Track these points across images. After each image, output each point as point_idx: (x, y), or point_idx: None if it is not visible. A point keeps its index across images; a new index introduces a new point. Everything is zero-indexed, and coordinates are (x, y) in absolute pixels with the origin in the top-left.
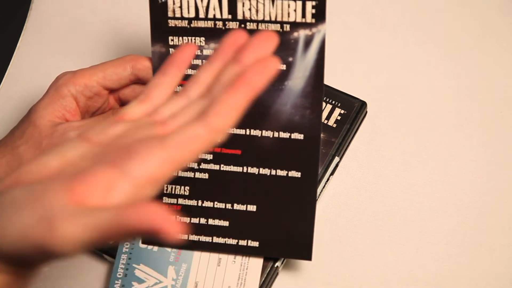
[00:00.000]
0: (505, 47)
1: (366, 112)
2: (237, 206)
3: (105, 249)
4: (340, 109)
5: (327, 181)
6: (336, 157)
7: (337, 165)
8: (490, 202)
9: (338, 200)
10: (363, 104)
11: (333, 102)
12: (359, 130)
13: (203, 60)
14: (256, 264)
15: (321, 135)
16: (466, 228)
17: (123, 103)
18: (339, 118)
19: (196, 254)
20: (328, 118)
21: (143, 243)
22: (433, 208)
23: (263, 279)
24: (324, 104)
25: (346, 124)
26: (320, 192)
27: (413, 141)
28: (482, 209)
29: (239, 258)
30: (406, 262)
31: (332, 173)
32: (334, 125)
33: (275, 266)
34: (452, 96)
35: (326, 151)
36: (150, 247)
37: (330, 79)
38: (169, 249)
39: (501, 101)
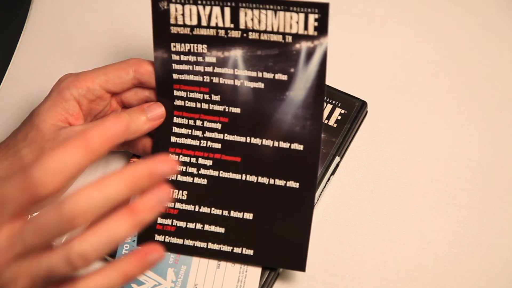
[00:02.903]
0: (505, 46)
1: (367, 112)
2: (233, 213)
3: None
4: (340, 109)
5: (327, 181)
6: (337, 157)
7: (337, 165)
8: (490, 202)
9: (338, 200)
10: (363, 104)
11: (334, 102)
12: (359, 130)
13: (205, 67)
14: (255, 267)
15: (322, 135)
16: (466, 228)
17: (125, 106)
18: (339, 118)
19: (196, 257)
20: (328, 118)
21: (138, 244)
22: (433, 208)
23: (263, 281)
24: (324, 104)
25: (346, 124)
26: (321, 192)
27: (413, 141)
28: (482, 209)
29: None
30: (406, 262)
31: (332, 173)
32: (335, 125)
33: (276, 268)
34: (452, 96)
35: (326, 151)
36: None
37: (330, 79)
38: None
39: (501, 101)
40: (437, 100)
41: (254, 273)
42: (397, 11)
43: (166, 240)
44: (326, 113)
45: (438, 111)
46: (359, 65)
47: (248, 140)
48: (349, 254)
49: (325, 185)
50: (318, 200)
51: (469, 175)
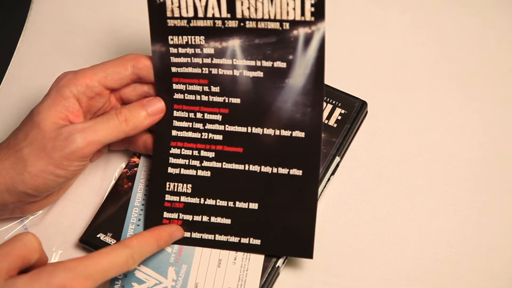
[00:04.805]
0: (505, 47)
1: (367, 112)
2: (239, 204)
3: None
4: (340, 109)
5: (327, 181)
6: (337, 157)
7: (337, 165)
8: (490, 202)
9: (338, 200)
10: (363, 104)
11: (334, 102)
12: (359, 130)
13: (203, 59)
14: (256, 265)
15: (322, 134)
16: (466, 228)
17: (124, 102)
18: (339, 118)
19: (196, 255)
20: (328, 118)
21: None
22: (433, 208)
23: (263, 280)
24: (324, 104)
25: (346, 124)
26: (321, 192)
27: (413, 141)
28: (482, 209)
29: (239, 259)
30: (406, 262)
31: (332, 173)
32: (335, 125)
33: (276, 266)
34: (452, 96)
35: (326, 151)
36: None
37: (330, 79)
38: (169, 250)
39: (501, 101)
40: (437, 100)
41: (255, 271)
42: (397, 11)
43: None
44: (326, 113)
45: (438, 111)
46: (359, 65)
47: (249, 130)
48: (349, 254)
49: (325, 185)
50: (318, 199)
51: (469, 175)
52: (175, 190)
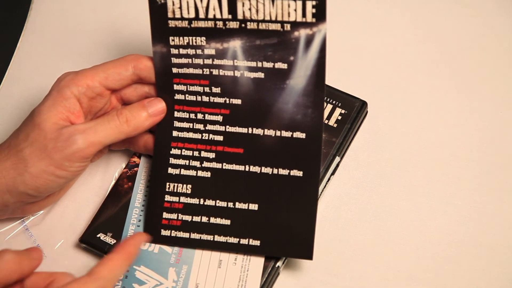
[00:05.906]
0: (505, 47)
1: (367, 112)
2: (239, 205)
3: (106, 250)
4: (340, 109)
5: (328, 181)
6: (337, 157)
7: (337, 165)
8: (490, 202)
9: (338, 200)
10: (363, 104)
11: (334, 102)
12: (359, 130)
13: (204, 60)
14: (257, 265)
15: (323, 135)
16: (466, 228)
17: (125, 102)
18: (339, 118)
19: (197, 256)
20: (328, 118)
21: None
22: (433, 208)
23: (263, 280)
24: (324, 104)
25: (346, 124)
26: (321, 192)
27: (413, 141)
28: (482, 209)
29: (240, 259)
30: (406, 262)
31: (333, 173)
32: (335, 125)
33: (276, 266)
34: (452, 96)
35: (327, 151)
36: (151, 248)
37: (330, 79)
38: (170, 251)
39: (501, 101)
40: (437, 100)
41: (256, 272)
42: (397, 11)
43: (172, 234)
44: (326, 113)
45: (438, 111)
46: (359, 64)
47: (250, 131)
48: (349, 254)
49: (325, 185)
50: (318, 199)
51: (469, 175)
52: (175, 190)
